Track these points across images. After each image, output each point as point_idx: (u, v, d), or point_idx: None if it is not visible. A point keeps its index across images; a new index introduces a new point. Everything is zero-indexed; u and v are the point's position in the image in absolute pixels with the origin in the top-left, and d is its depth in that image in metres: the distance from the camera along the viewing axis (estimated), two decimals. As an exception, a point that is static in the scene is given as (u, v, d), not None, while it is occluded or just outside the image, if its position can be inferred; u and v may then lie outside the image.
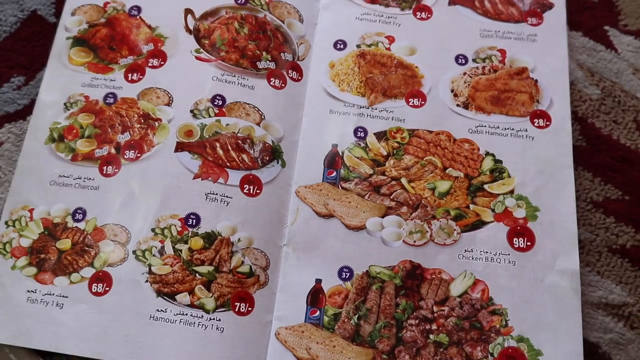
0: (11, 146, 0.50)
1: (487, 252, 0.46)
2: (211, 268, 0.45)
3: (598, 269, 0.47)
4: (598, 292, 0.46)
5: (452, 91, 0.52)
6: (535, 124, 0.50)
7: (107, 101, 0.50)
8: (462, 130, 0.50)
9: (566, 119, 0.50)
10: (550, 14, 0.55)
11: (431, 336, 0.43)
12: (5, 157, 0.49)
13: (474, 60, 0.53)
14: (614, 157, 0.50)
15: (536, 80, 0.52)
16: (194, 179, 0.47)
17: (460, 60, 0.53)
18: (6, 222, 0.46)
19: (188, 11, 0.53)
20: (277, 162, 0.49)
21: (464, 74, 0.52)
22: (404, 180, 0.49)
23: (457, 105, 0.51)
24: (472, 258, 0.46)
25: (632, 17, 0.55)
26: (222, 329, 0.43)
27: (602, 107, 0.52)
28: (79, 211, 0.46)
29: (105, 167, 0.47)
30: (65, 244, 0.45)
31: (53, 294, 0.44)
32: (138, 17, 0.53)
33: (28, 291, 0.44)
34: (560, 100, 0.51)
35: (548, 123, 0.50)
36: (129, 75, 0.51)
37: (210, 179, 0.47)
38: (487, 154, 0.49)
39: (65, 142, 0.48)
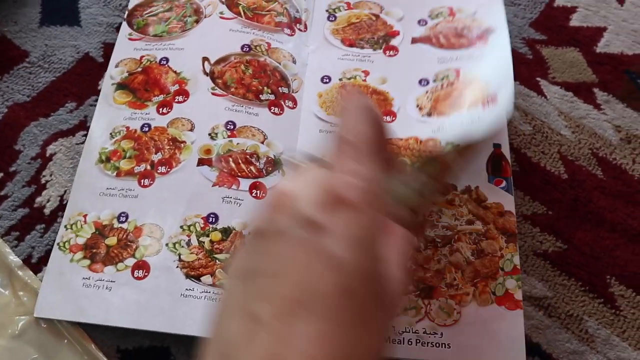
0: (62, 156, 0.60)
1: (450, 232, 0.54)
2: (228, 255, 0.53)
3: (525, 268, 0.54)
4: (524, 287, 0.53)
5: (417, 106, 0.61)
6: (482, 151, 0.59)
7: (144, 130, 0.60)
8: (427, 132, 0.58)
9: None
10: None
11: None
12: (57, 164, 0.60)
13: (434, 81, 0.62)
14: (541, 180, 0.59)
15: (484, 102, 0.61)
16: (212, 186, 0.56)
17: (423, 82, 0.62)
18: (65, 226, 0.55)
19: (205, 59, 0.64)
20: (278, 172, 0.58)
21: (427, 92, 0.61)
22: (381, 180, 0.58)
23: (422, 115, 0.60)
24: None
25: (558, 72, 0.65)
26: (238, 303, 0.51)
27: (532, 141, 0.61)
28: (122, 215, 0.55)
29: (142, 180, 0.57)
30: (112, 240, 0.54)
31: (103, 280, 0.52)
32: (166, 65, 0.64)
33: (83, 278, 0.52)
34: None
35: (492, 149, 0.59)
36: (160, 109, 0.61)
37: (225, 186, 0.56)
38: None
39: (111, 162, 0.58)
